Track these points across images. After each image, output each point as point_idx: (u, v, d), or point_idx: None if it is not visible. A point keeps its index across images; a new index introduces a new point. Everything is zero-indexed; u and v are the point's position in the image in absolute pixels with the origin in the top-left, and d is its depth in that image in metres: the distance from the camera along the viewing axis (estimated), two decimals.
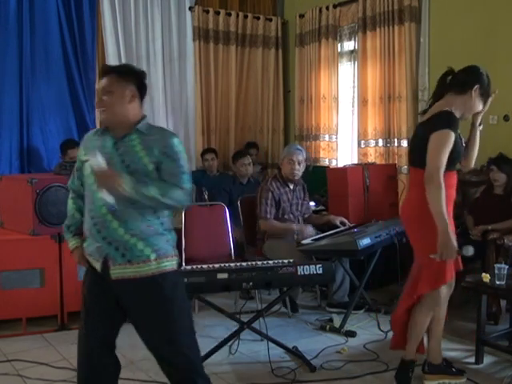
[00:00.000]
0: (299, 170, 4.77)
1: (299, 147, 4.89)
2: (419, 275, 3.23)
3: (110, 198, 2.39)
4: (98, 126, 6.08)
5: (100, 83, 2.55)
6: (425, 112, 3.28)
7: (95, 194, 2.46)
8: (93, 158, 2.39)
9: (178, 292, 2.57)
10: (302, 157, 4.77)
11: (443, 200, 2.96)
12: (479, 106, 3.17)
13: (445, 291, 3.26)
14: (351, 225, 4.82)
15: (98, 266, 2.51)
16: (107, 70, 2.59)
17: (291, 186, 4.82)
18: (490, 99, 3.19)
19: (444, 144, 3.01)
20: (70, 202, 2.69)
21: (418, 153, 3.13)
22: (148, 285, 2.49)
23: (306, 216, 4.98)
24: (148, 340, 2.59)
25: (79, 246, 2.63)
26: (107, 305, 2.55)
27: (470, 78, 3.14)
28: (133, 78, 2.56)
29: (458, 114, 3.12)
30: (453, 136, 3.02)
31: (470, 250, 3.10)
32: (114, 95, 2.48)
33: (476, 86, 3.10)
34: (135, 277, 2.47)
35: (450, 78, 3.22)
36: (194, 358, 2.66)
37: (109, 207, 2.42)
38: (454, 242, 2.99)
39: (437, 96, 3.24)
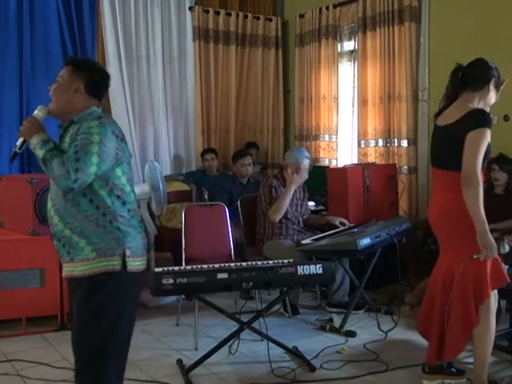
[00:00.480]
0: (306, 176, 4.79)
1: (307, 154, 4.88)
2: (477, 281, 3.09)
3: (19, 141, 2.43)
4: None
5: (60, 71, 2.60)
6: (440, 113, 3.23)
7: (52, 190, 2.47)
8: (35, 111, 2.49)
9: (109, 295, 2.41)
10: (308, 163, 4.78)
11: (481, 200, 2.93)
12: (495, 98, 3.18)
13: (493, 300, 3.19)
14: (351, 225, 4.82)
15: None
16: (67, 61, 2.64)
17: None
18: (502, 87, 3.18)
19: (483, 143, 2.96)
20: None
21: (451, 155, 3.06)
22: (83, 285, 2.40)
23: (305, 217, 4.98)
24: (73, 335, 2.47)
25: None
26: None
27: (484, 73, 3.12)
28: (86, 74, 2.54)
29: None
30: (489, 134, 3.00)
31: (506, 248, 3.08)
32: (60, 84, 2.54)
33: (492, 80, 3.11)
34: (74, 276, 2.41)
35: (460, 74, 3.16)
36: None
37: (11, 149, 2.44)
38: (493, 240, 2.97)
39: (452, 95, 3.19)
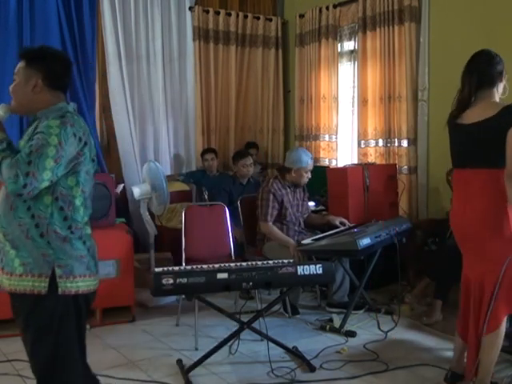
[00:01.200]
0: (309, 176, 4.79)
1: (310, 155, 4.88)
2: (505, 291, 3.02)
3: None
4: (98, 126, 6.10)
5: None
6: (458, 114, 3.10)
7: None
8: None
9: (32, 321, 2.23)
10: (312, 164, 4.79)
11: None
12: (505, 89, 3.14)
13: None
14: (351, 225, 4.82)
15: None
16: (20, 54, 2.37)
17: (292, 188, 4.81)
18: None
19: None
20: None
21: (491, 152, 2.95)
22: (14, 300, 2.26)
23: (305, 216, 4.98)
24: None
25: None
26: None
27: (498, 68, 3.07)
28: (41, 65, 2.30)
29: None
30: None
31: None
32: (17, 83, 2.33)
33: (503, 74, 3.09)
34: (4, 287, 2.25)
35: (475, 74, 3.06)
36: None
37: None
38: None
39: (470, 95, 3.07)
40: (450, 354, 3.67)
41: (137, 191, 4.84)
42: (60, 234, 2.20)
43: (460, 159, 3.16)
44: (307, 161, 4.73)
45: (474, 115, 3.04)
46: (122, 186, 5.15)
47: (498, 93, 3.10)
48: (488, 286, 3.03)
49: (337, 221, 4.86)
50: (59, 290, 2.19)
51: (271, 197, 4.65)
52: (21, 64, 2.33)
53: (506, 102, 3.05)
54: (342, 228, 4.73)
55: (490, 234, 2.99)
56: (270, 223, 4.64)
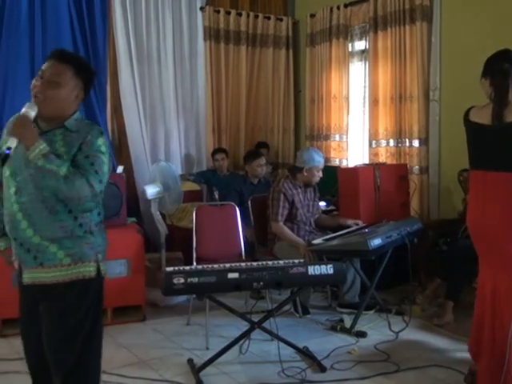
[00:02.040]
0: (320, 175, 4.80)
1: (322, 154, 4.90)
2: None
3: (12, 142, 2.16)
4: (109, 126, 6.11)
5: (49, 67, 2.30)
6: (501, 114, 2.96)
7: (9, 191, 2.28)
8: (24, 108, 2.24)
9: (86, 303, 2.35)
10: (323, 163, 4.80)
11: None
12: None
13: None
14: (363, 225, 4.81)
15: (17, 268, 2.39)
16: (64, 57, 2.32)
17: (303, 188, 4.81)
18: None
19: None
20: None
21: None
22: (57, 291, 2.30)
23: (316, 217, 4.97)
24: (51, 353, 2.35)
25: (3, 249, 2.50)
26: (33, 314, 2.40)
27: None
28: (85, 76, 2.36)
29: None
30: None
31: None
32: (62, 90, 2.29)
33: None
34: (45, 282, 2.29)
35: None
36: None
37: (5, 150, 2.14)
38: None
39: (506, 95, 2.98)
40: (461, 355, 3.67)
41: (149, 191, 4.85)
42: (98, 227, 2.39)
43: (479, 160, 3.09)
44: (319, 160, 4.74)
45: (504, 117, 2.96)
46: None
47: None
48: (505, 293, 2.96)
49: (349, 222, 4.83)
50: (102, 272, 2.38)
51: (282, 197, 4.65)
52: (68, 69, 2.29)
53: None
54: (353, 228, 4.72)
55: (510, 236, 2.95)
56: (281, 223, 4.64)
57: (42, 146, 2.16)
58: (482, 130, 3.04)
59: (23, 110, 2.23)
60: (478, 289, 3.17)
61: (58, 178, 2.16)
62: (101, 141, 2.30)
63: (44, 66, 2.31)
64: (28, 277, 2.32)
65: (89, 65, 2.45)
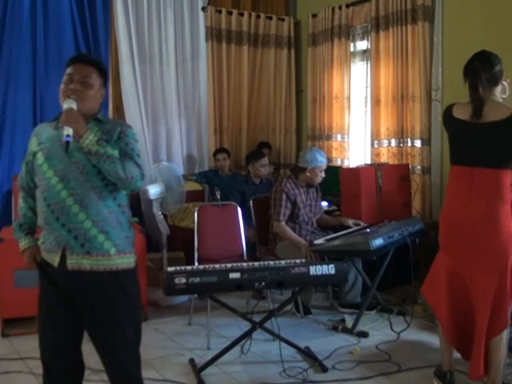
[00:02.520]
0: (323, 175, 4.80)
1: (325, 154, 4.91)
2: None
3: (66, 131, 2.35)
4: None
5: (79, 70, 2.52)
6: (478, 113, 3.06)
7: (51, 181, 2.41)
8: (65, 104, 2.44)
9: (132, 292, 2.54)
10: (326, 163, 4.80)
11: None
12: (505, 89, 3.18)
13: None
14: (364, 225, 4.81)
15: (55, 259, 2.42)
16: (88, 60, 2.59)
17: (305, 188, 4.81)
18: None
19: None
20: (20, 201, 2.63)
21: (501, 153, 3.02)
22: (105, 280, 2.44)
23: (318, 216, 4.97)
24: (100, 341, 2.51)
25: (32, 245, 2.56)
26: (63, 311, 2.48)
27: (500, 67, 3.11)
28: (104, 78, 2.64)
29: None
30: None
31: None
32: (93, 89, 2.54)
33: (504, 73, 3.13)
34: (92, 269, 2.41)
35: (484, 76, 3.07)
36: (132, 372, 2.55)
37: (65, 138, 2.33)
38: None
39: (485, 96, 3.06)
40: (459, 355, 3.65)
41: (152, 191, 4.85)
42: (129, 221, 2.58)
43: (464, 156, 3.15)
44: (322, 160, 4.75)
45: (487, 115, 3.04)
46: None
47: (503, 93, 3.15)
48: (489, 284, 3.04)
49: (350, 222, 4.84)
50: (135, 263, 2.57)
51: (284, 196, 4.65)
52: (92, 70, 2.54)
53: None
54: (355, 228, 4.71)
55: (494, 232, 3.03)
56: (283, 223, 4.64)
57: (93, 134, 2.39)
58: (466, 127, 3.11)
59: (67, 105, 2.44)
60: (451, 289, 3.20)
61: (113, 160, 2.37)
62: (132, 132, 2.57)
63: (71, 70, 2.53)
64: (73, 262, 2.41)
65: (104, 65, 2.69)
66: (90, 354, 2.61)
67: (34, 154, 2.51)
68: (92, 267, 2.41)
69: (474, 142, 3.09)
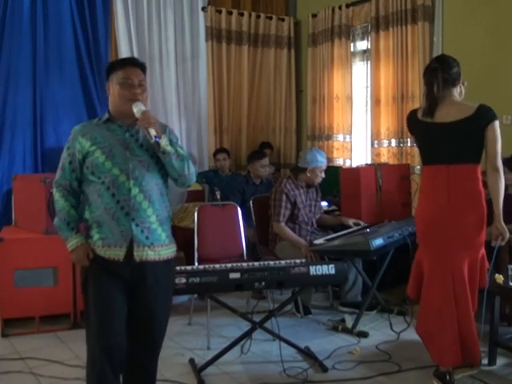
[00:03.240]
0: (323, 176, 4.80)
1: (325, 155, 4.90)
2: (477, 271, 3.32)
3: (153, 132, 2.55)
4: None
5: (137, 74, 2.64)
6: (432, 112, 3.29)
7: (119, 179, 2.54)
8: (135, 107, 2.57)
9: (173, 280, 2.88)
10: (326, 164, 4.80)
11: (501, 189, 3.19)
12: (462, 92, 3.39)
13: None
14: (364, 225, 4.81)
15: (120, 253, 2.55)
16: (139, 64, 2.70)
17: (305, 188, 4.81)
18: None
19: (498, 134, 3.19)
20: (60, 200, 2.64)
21: (471, 149, 3.25)
22: (161, 268, 2.64)
23: (318, 216, 4.97)
24: (149, 327, 2.67)
25: (84, 243, 2.60)
26: (122, 302, 2.59)
27: (458, 69, 3.33)
28: None
29: None
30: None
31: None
32: (147, 92, 2.71)
33: (462, 76, 3.35)
34: (154, 259, 2.61)
35: (440, 75, 3.29)
36: (157, 356, 2.81)
37: (155, 139, 2.53)
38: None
39: (437, 95, 3.28)
40: None
41: None
42: None
43: (438, 156, 3.31)
44: (322, 160, 4.74)
45: (448, 114, 3.25)
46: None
47: (460, 94, 3.36)
48: (463, 259, 3.28)
49: (350, 221, 4.84)
50: None
51: (284, 197, 4.65)
52: (142, 74, 2.68)
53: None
54: (355, 228, 4.72)
55: (471, 211, 3.25)
56: (283, 224, 4.64)
57: (166, 136, 2.63)
58: (435, 127, 3.29)
59: (139, 108, 2.58)
60: (437, 282, 3.33)
61: (182, 158, 2.64)
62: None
63: (128, 74, 2.62)
64: (140, 254, 2.57)
65: None
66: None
67: (87, 153, 2.59)
68: (154, 257, 2.60)
69: (447, 140, 3.26)
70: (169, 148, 2.58)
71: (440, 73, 3.26)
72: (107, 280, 2.57)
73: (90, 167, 2.58)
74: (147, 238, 2.58)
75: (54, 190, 2.66)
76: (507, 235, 3.28)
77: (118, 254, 2.55)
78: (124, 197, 2.55)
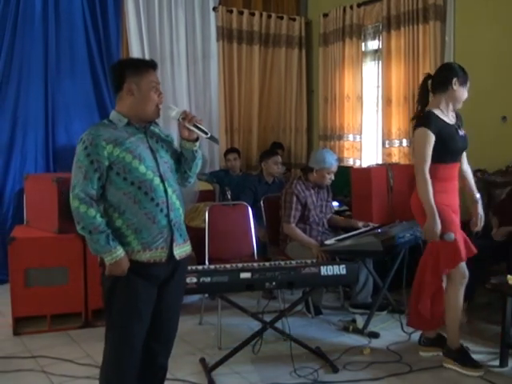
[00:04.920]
0: (332, 178, 4.76)
1: (336, 157, 4.85)
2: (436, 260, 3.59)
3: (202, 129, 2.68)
4: None
5: (155, 77, 2.65)
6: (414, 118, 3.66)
7: (154, 181, 2.55)
8: (171, 110, 2.68)
9: None
10: (336, 166, 4.76)
11: (429, 190, 3.44)
12: (464, 94, 3.55)
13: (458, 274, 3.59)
14: (375, 225, 4.78)
15: (163, 255, 2.58)
16: (156, 66, 2.70)
17: (316, 189, 4.79)
18: (468, 83, 3.57)
19: (421, 140, 3.46)
20: (91, 212, 2.47)
21: None
22: (186, 265, 2.80)
23: (328, 217, 4.95)
24: (171, 325, 2.76)
25: (124, 253, 2.52)
26: (151, 305, 2.62)
27: (445, 74, 3.54)
28: None
29: (446, 110, 3.55)
30: (430, 135, 3.43)
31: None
32: None
33: (454, 80, 3.49)
34: (187, 255, 2.72)
35: (430, 82, 3.62)
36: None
37: (209, 135, 2.69)
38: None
39: (423, 101, 3.61)
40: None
41: None
42: None
43: (459, 155, 3.65)
44: (331, 162, 4.69)
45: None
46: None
47: (452, 98, 3.55)
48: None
49: (360, 224, 4.79)
50: None
51: (294, 199, 4.63)
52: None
53: None
54: (366, 228, 4.69)
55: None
56: (293, 225, 4.63)
57: None
58: (451, 128, 3.54)
59: (176, 108, 2.70)
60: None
61: (200, 157, 2.77)
62: None
63: (156, 78, 2.65)
64: (179, 252, 2.65)
65: None
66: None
67: (116, 159, 2.49)
68: (187, 253, 2.72)
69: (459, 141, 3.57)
70: (196, 148, 2.70)
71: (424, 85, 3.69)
72: (141, 285, 2.54)
73: (122, 173, 2.49)
74: (181, 235, 2.66)
75: (77, 203, 2.49)
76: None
77: (161, 255, 2.57)
78: (162, 199, 2.56)
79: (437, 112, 3.52)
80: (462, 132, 3.60)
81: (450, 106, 3.57)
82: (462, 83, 3.52)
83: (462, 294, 3.64)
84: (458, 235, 3.54)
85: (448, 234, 3.47)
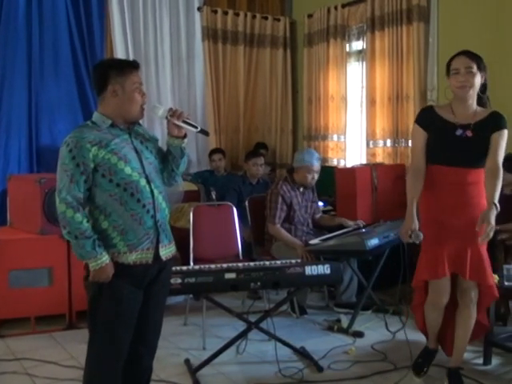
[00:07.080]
0: (315, 178, 4.76)
1: (318, 155, 4.85)
2: None
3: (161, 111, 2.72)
4: None
5: (138, 78, 2.63)
6: None
7: (140, 183, 2.54)
8: (158, 109, 2.72)
9: None
10: (319, 165, 4.76)
11: (410, 188, 3.26)
12: (453, 83, 3.17)
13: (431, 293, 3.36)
14: (365, 224, 4.79)
15: (149, 256, 2.57)
16: (138, 66, 2.68)
17: (301, 189, 4.80)
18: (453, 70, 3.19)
19: (412, 137, 3.35)
20: (77, 217, 2.43)
21: None
22: (171, 266, 2.79)
23: (318, 217, 4.96)
24: (153, 326, 2.75)
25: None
26: (138, 307, 2.62)
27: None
28: None
29: (457, 105, 3.22)
30: (416, 128, 3.24)
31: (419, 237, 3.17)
32: None
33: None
34: (172, 256, 2.72)
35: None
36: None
37: (200, 129, 2.83)
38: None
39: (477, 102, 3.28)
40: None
41: None
42: None
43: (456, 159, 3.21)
44: (309, 161, 4.69)
45: None
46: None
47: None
48: None
49: (350, 223, 4.79)
50: None
51: (280, 199, 4.64)
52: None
53: None
54: (350, 228, 4.71)
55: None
56: (278, 225, 4.64)
57: None
58: (445, 125, 3.21)
59: (161, 107, 2.78)
60: None
61: (186, 154, 2.80)
62: None
63: (139, 79, 2.64)
64: (165, 253, 2.65)
65: None
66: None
67: (101, 161, 2.46)
68: (172, 253, 2.72)
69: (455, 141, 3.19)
70: (184, 145, 2.74)
71: None
72: (127, 290, 2.52)
73: (108, 175, 2.47)
74: (166, 236, 2.65)
75: (64, 207, 2.44)
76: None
77: (147, 256, 2.56)
78: (148, 200, 2.55)
79: (438, 108, 3.28)
80: (466, 133, 3.16)
81: (460, 101, 3.20)
82: (448, 72, 3.23)
83: (435, 318, 3.41)
84: (433, 252, 3.21)
85: (416, 233, 3.15)
